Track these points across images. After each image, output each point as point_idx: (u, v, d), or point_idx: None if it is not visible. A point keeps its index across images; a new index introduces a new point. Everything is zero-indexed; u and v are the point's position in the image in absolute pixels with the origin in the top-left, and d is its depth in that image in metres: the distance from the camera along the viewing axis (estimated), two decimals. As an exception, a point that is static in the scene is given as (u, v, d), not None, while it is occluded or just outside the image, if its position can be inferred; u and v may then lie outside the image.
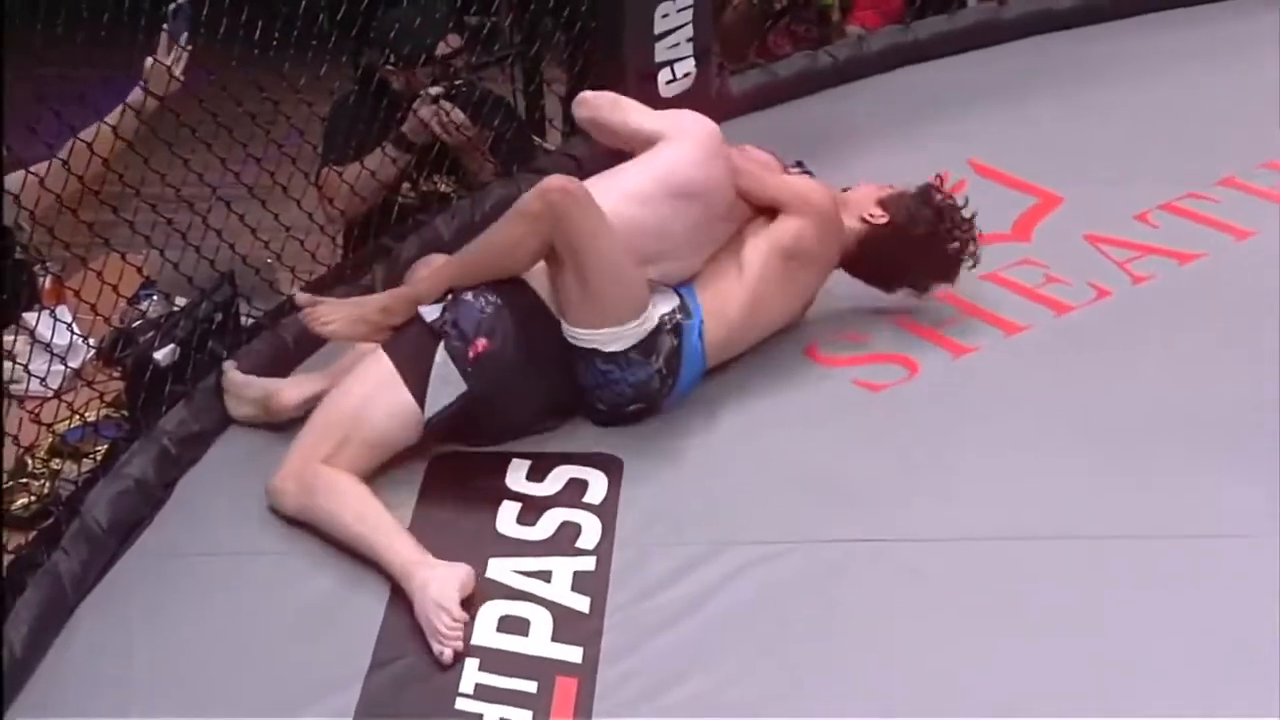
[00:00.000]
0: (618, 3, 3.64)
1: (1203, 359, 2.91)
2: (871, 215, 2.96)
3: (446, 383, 2.64)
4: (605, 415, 2.78)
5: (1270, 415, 2.71)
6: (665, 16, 3.65)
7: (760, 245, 2.86)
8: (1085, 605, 2.37)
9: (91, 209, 2.89)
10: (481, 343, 2.65)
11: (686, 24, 3.69)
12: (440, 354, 2.64)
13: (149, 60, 2.93)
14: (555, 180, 2.68)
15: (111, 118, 2.89)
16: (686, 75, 3.74)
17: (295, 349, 3.08)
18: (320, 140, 3.51)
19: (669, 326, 2.74)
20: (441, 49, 3.50)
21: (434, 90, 3.42)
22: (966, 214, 2.98)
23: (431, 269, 2.85)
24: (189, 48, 2.94)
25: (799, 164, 3.05)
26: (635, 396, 2.76)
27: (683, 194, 2.80)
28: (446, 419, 2.66)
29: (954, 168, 3.46)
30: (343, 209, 3.46)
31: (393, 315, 2.74)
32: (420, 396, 2.64)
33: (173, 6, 2.92)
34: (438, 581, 2.39)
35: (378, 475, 2.67)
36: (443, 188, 3.55)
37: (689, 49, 3.72)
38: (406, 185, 3.52)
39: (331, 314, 2.79)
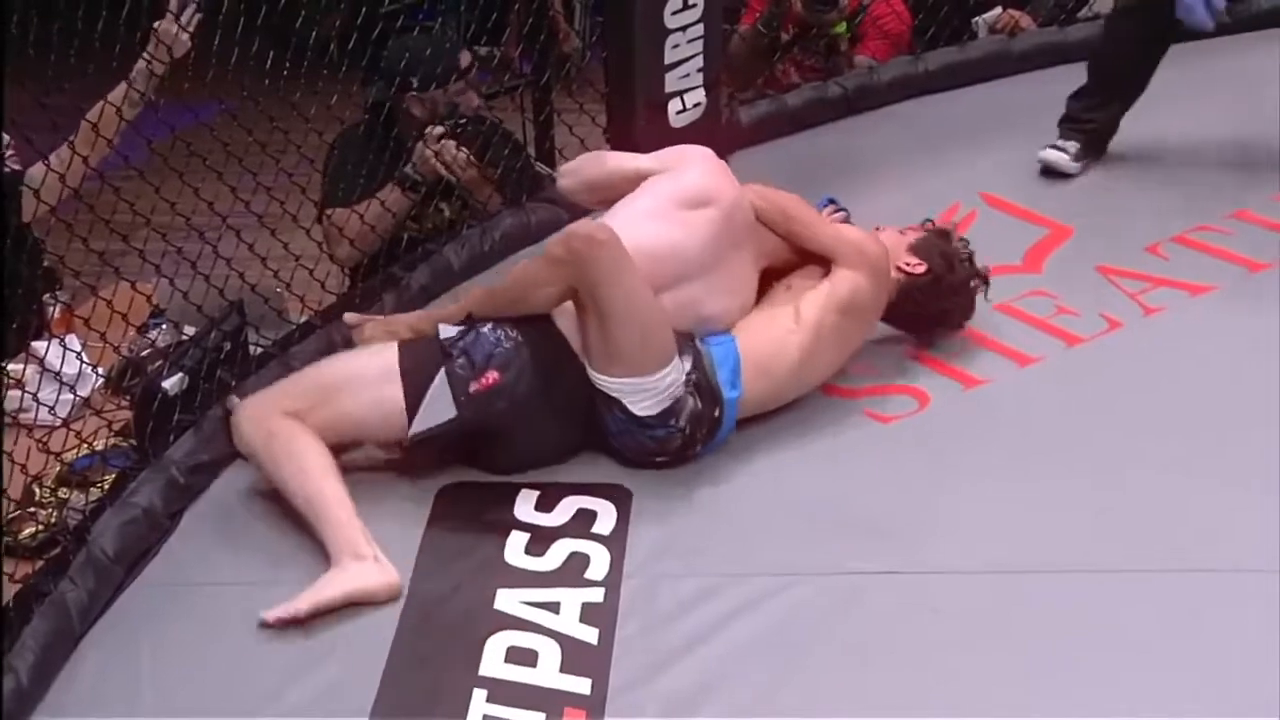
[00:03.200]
0: (628, 33, 3.65)
1: (1214, 391, 2.90)
2: (908, 264, 2.93)
3: (439, 405, 2.64)
4: (630, 460, 2.76)
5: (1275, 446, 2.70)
6: (676, 47, 3.65)
7: (817, 300, 2.81)
8: (1100, 639, 2.35)
9: (102, 238, 2.89)
10: (492, 376, 2.64)
11: (697, 55, 3.69)
12: (440, 376, 2.64)
13: (159, 24, 2.94)
14: (583, 227, 2.69)
15: (115, 94, 2.90)
16: (696, 105, 3.74)
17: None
18: (324, 178, 3.51)
19: (689, 388, 2.70)
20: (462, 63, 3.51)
21: (437, 130, 3.41)
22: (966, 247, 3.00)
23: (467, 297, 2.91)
24: (199, 14, 2.95)
25: (831, 201, 3.03)
26: (659, 451, 2.74)
27: (693, 203, 2.80)
28: (435, 439, 2.66)
29: (964, 199, 3.47)
30: (343, 262, 3.45)
31: (420, 334, 2.79)
32: (413, 406, 2.63)
33: None
34: (345, 575, 2.46)
35: (385, 504, 2.66)
36: (448, 213, 3.55)
37: (699, 79, 3.72)
38: (410, 220, 3.52)
39: (369, 328, 2.91)
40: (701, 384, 2.71)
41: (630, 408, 2.66)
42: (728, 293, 2.82)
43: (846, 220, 3.00)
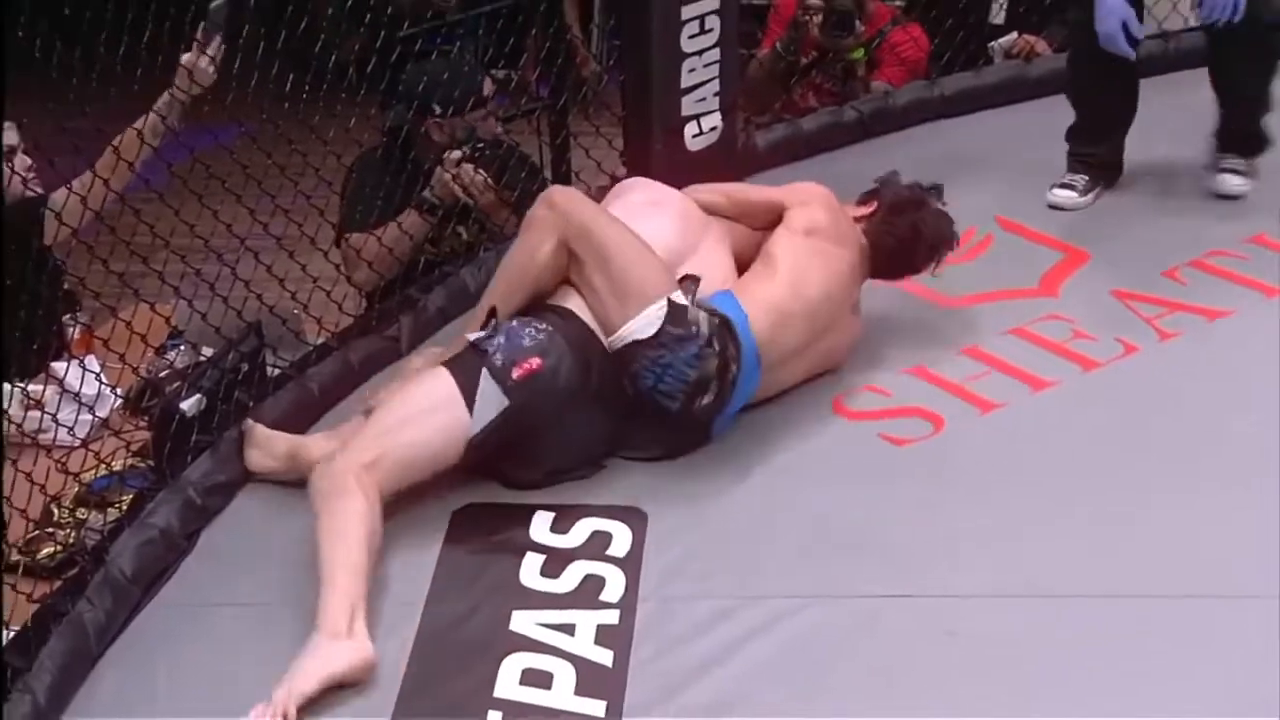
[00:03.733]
0: (645, 57, 3.67)
1: (1231, 416, 2.89)
2: (860, 211, 3.06)
3: (490, 400, 2.67)
4: (679, 416, 2.77)
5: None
6: (692, 71, 3.67)
7: (779, 237, 2.95)
8: (1117, 664, 2.35)
9: (121, 259, 2.91)
10: (534, 362, 2.69)
11: (713, 79, 3.71)
12: (484, 374, 2.68)
13: (186, 55, 2.96)
14: (554, 188, 2.80)
15: (139, 122, 2.93)
16: (713, 129, 3.75)
17: (321, 399, 3.09)
18: (343, 202, 3.52)
19: (701, 306, 2.78)
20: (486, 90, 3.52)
21: (455, 154, 3.42)
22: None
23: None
24: (224, 46, 2.98)
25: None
26: (699, 379, 2.74)
27: (650, 203, 2.97)
28: (491, 436, 2.68)
29: (980, 223, 3.47)
30: (362, 286, 3.47)
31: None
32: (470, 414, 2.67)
33: (214, 5, 2.96)
34: (318, 660, 2.35)
35: (401, 526, 2.66)
36: (465, 236, 3.56)
37: (715, 103, 3.74)
38: (427, 244, 3.52)
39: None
40: (706, 307, 2.79)
41: (644, 336, 2.72)
42: (704, 270, 2.89)
43: None
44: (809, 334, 2.90)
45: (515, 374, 2.68)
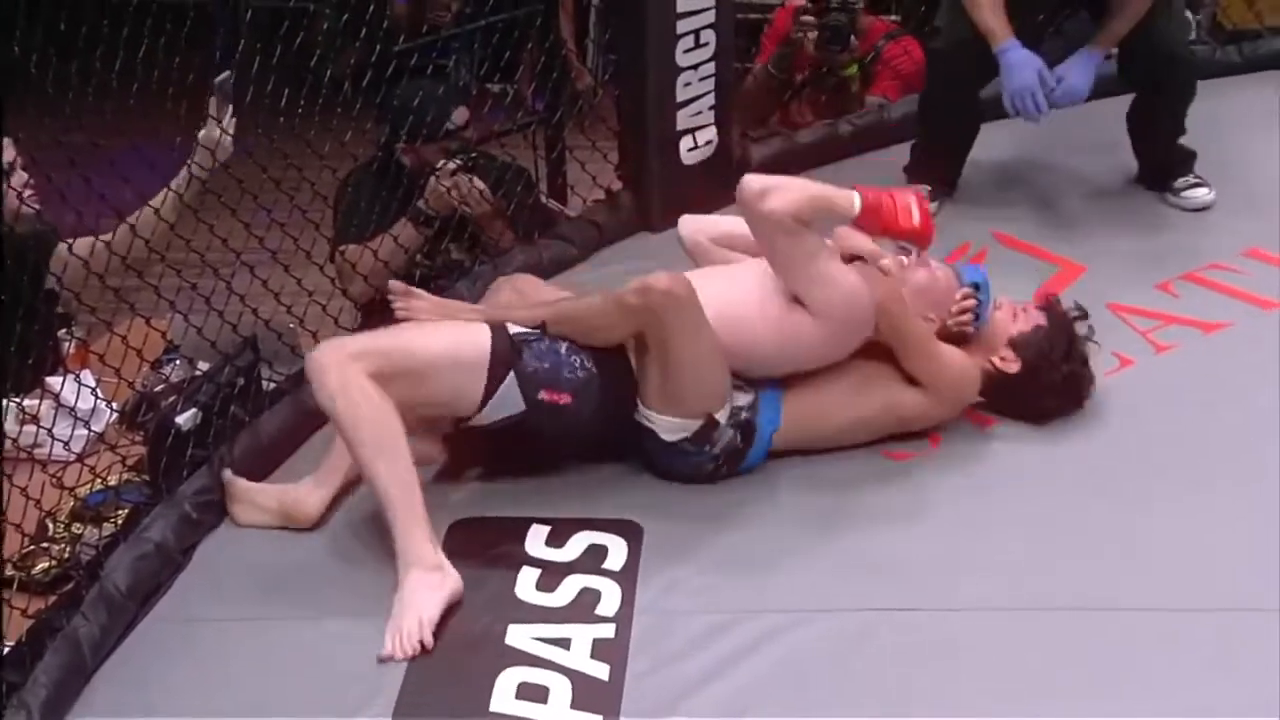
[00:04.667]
0: (641, 71, 3.68)
1: (1227, 428, 2.89)
2: (1002, 359, 2.88)
3: (506, 401, 2.66)
4: (662, 474, 2.82)
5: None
6: (688, 85, 3.68)
7: (875, 400, 2.81)
8: (1114, 677, 2.35)
9: (116, 274, 2.91)
10: (565, 398, 2.67)
11: (708, 92, 3.72)
12: (512, 376, 2.66)
13: (202, 132, 2.95)
14: (661, 281, 2.63)
15: (157, 200, 2.92)
16: (708, 143, 3.76)
17: (317, 413, 3.06)
18: (337, 215, 3.52)
19: (735, 421, 2.74)
20: (455, 120, 3.52)
21: (450, 165, 3.42)
22: (1084, 328, 2.92)
23: (526, 304, 2.83)
24: (235, 118, 2.97)
25: (975, 286, 2.90)
26: (691, 476, 2.78)
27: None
28: (489, 428, 2.68)
29: (976, 237, 3.47)
30: (357, 299, 3.47)
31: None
32: (487, 397, 2.65)
33: (218, 80, 2.95)
34: (428, 591, 2.47)
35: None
36: (455, 255, 3.56)
37: (710, 117, 3.75)
38: (421, 257, 3.53)
39: (423, 305, 2.79)
40: (748, 424, 2.74)
41: (667, 438, 2.72)
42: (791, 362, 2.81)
43: (976, 316, 2.89)
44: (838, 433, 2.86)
45: (542, 395, 2.67)
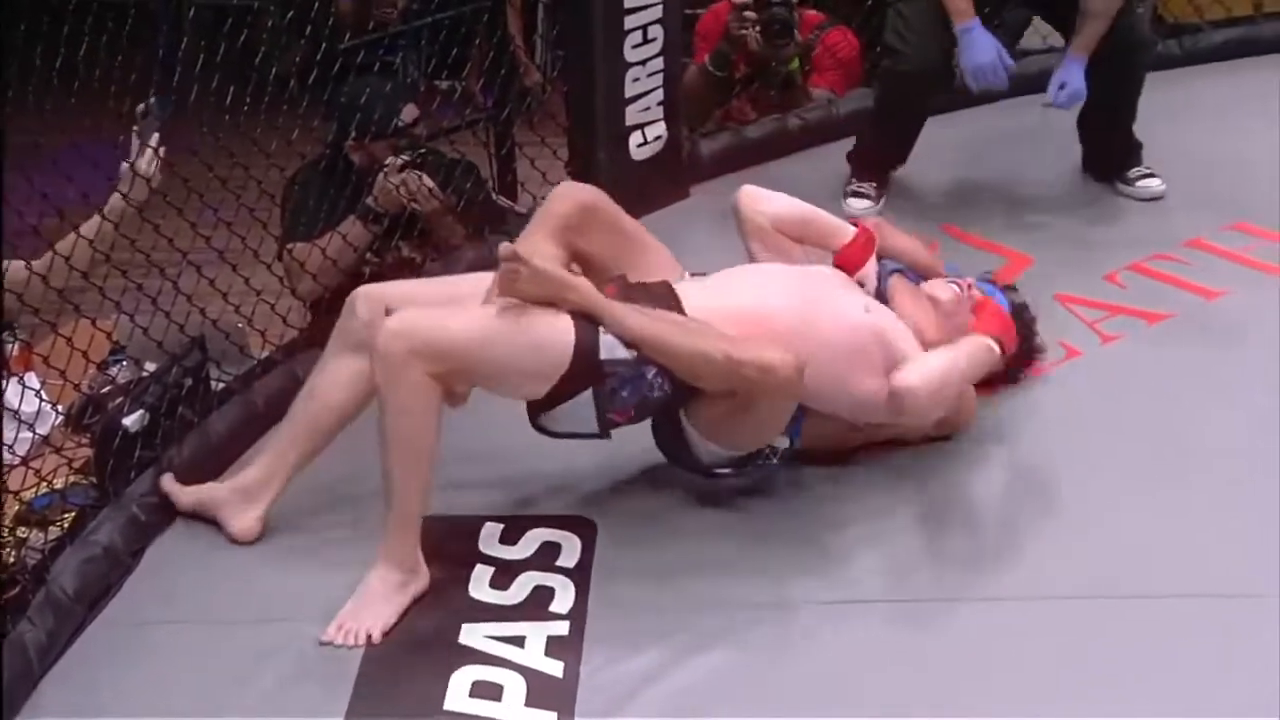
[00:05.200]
0: (589, 67, 3.67)
1: (1176, 417, 2.92)
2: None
3: (582, 417, 2.53)
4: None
5: (1242, 469, 2.73)
6: (636, 80, 3.68)
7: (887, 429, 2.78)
8: (1090, 666, 2.36)
9: (60, 275, 2.87)
10: (629, 414, 2.56)
11: (657, 88, 3.72)
12: (590, 394, 2.52)
13: (124, 165, 2.87)
14: (785, 366, 2.46)
15: (87, 228, 2.83)
16: (658, 138, 3.76)
17: (266, 412, 3.06)
18: (284, 213, 3.49)
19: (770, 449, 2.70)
20: (404, 117, 3.50)
21: (400, 159, 3.41)
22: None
23: (640, 312, 2.53)
24: (162, 149, 2.88)
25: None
26: (693, 468, 2.74)
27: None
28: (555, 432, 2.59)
29: (925, 230, 3.49)
30: (305, 297, 3.45)
31: (577, 306, 2.50)
32: (553, 401, 2.52)
33: (141, 108, 2.87)
34: (393, 591, 2.48)
35: (347, 535, 2.67)
36: (405, 252, 3.55)
37: (660, 112, 3.75)
38: (370, 255, 3.51)
39: (528, 285, 2.47)
40: (774, 447, 2.70)
41: (704, 460, 2.68)
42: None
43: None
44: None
45: (613, 415, 2.54)
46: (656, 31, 3.65)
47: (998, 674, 2.35)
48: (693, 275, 2.77)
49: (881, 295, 2.79)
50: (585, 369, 2.46)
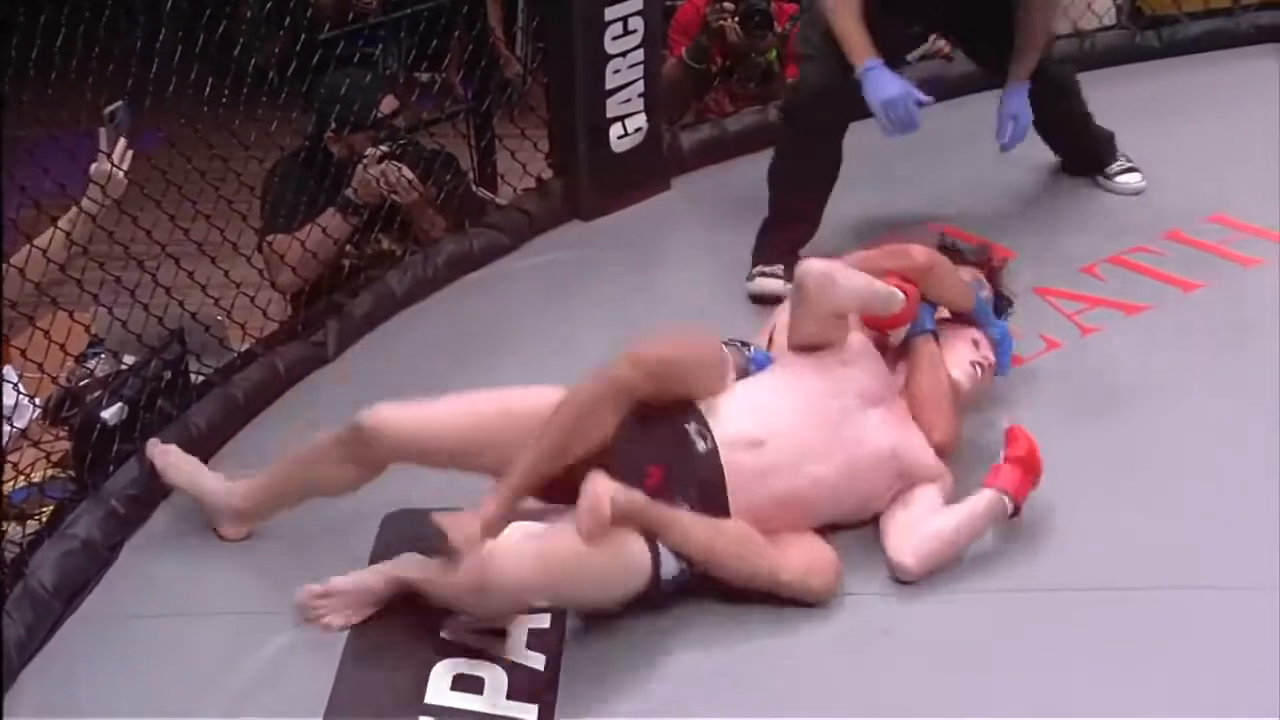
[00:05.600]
0: (569, 59, 3.67)
1: (1156, 409, 2.92)
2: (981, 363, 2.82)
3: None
4: None
5: (1223, 458, 2.74)
6: (617, 72, 3.67)
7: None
8: (1057, 658, 2.37)
9: (38, 267, 2.85)
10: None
11: (638, 80, 3.71)
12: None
13: (94, 166, 2.84)
14: (830, 586, 2.48)
15: (64, 221, 2.80)
16: (638, 130, 3.76)
17: (246, 405, 3.07)
18: (264, 204, 3.48)
19: None
20: (383, 109, 3.49)
21: (380, 150, 3.40)
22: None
23: (696, 526, 2.44)
24: (129, 154, 2.84)
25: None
26: None
27: None
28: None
29: (907, 224, 3.49)
30: (285, 289, 3.44)
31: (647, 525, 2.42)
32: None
33: (109, 110, 2.84)
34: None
35: (329, 528, 2.66)
36: (386, 245, 3.54)
37: (640, 104, 3.74)
38: (350, 247, 3.50)
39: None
40: None
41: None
42: None
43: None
44: None
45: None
46: (637, 23, 3.64)
47: (987, 666, 2.36)
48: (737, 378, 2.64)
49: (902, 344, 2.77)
50: (651, 589, 2.42)
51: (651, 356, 2.49)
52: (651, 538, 2.39)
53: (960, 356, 2.80)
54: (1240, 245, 3.44)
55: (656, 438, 2.47)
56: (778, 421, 2.53)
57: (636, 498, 2.38)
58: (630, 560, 2.38)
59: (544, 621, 2.47)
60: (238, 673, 2.41)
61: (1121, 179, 3.68)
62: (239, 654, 2.44)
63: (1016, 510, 2.58)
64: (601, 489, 2.34)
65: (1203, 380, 2.99)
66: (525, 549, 2.34)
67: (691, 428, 2.49)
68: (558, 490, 2.46)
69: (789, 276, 3.02)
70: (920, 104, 3.16)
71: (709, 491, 2.47)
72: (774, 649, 2.42)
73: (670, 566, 2.41)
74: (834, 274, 2.63)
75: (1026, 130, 3.40)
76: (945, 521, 2.55)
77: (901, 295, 2.70)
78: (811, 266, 2.65)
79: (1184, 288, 3.32)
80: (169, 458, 2.76)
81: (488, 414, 2.53)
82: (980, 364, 2.82)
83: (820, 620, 2.47)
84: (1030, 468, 2.59)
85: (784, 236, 3.36)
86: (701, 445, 2.48)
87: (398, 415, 2.52)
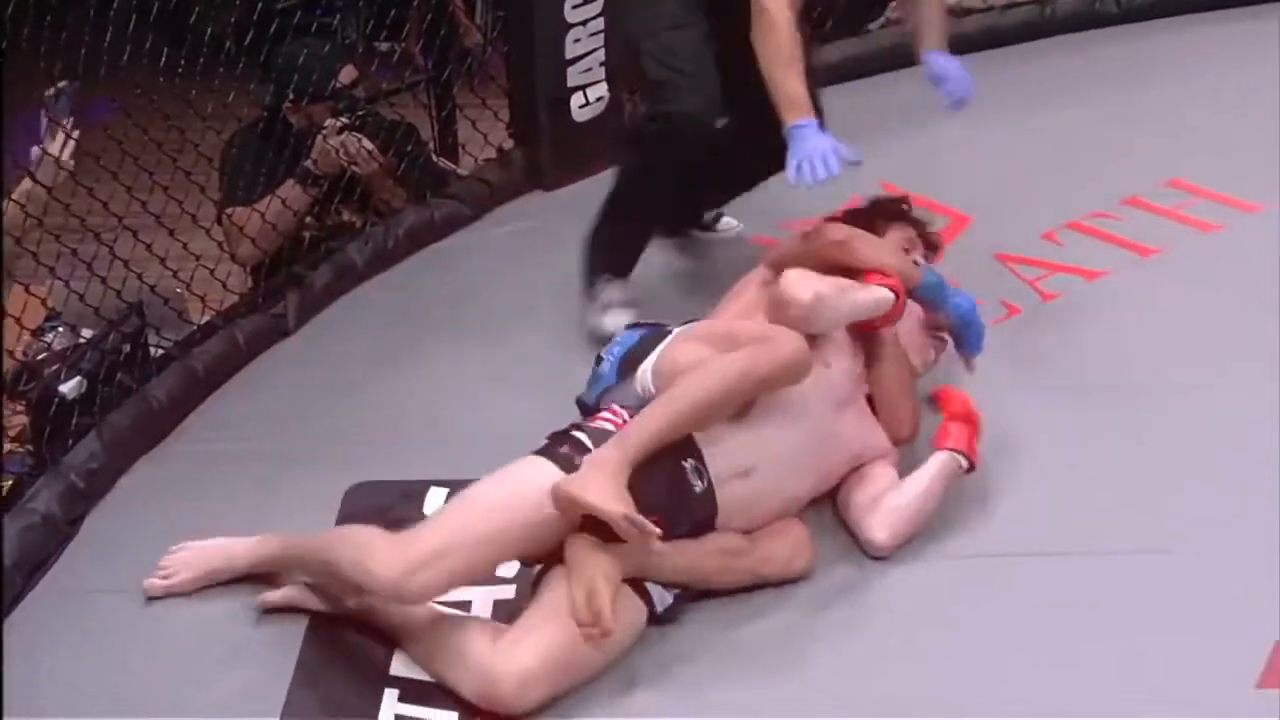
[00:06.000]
0: (528, 28, 3.64)
1: (1112, 374, 2.94)
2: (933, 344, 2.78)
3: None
4: None
5: (1182, 423, 2.75)
6: (577, 41, 3.65)
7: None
8: (991, 623, 2.39)
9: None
10: None
11: (598, 49, 3.69)
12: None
13: (34, 150, 2.79)
14: (808, 568, 2.47)
15: (19, 192, 2.76)
16: (599, 99, 3.74)
17: (207, 378, 3.05)
18: (222, 176, 3.46)
19: None
20: (341, 79, 3.46)
21: (339, 121, 3.37)
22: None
23: (681, 554, 2.39)
24: (75, 133, 2.80)
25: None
26: None
27: None
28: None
29: (865, 190, 3.48)
30: (245, 262, 3.41)
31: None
32: None
33: (51, 91, 2.80)
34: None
35: (293, 505, 2.65)
36: (347, 217, 3.51)
37: (601, 73, 3.72)
38: (310, 219, 3.48)
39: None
40: None
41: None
42: None
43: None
44: None
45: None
46: None
47: (953, 629, 2.37)
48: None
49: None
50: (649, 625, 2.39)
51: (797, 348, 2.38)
52: (639, 580, 2.35)
53: (917, 341, 2.76)
54: (1198, 210, 3.45)
55: (654, 478, 2.34)
56: (765, 447, 2.45)
57: (625, 568, 2.30)
58: (628, 622, 2.31)
59: (508, 592, 2.45)
60: (200, 647, 2.40)
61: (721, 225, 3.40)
62: (201, 628, 2.43)
63: (972, 466, 2.58)
64: (603, 592, 2.23)
65: (1162, 346, 3.01)
66: (525, 645, 2.24)
67: (689, 465, 2.38)
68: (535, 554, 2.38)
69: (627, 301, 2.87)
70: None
71: (699, 527, 2.42)
72: (743, 621, 2.41)
73: (662, 600, 2.39)
74: (819, 303, 2.50)
75: (968, 82, 3.05)
76: (910, 492, 2.55)
77: (890, 294, 2.60)
78: (796, 294, 2.50)
79: (1142, 253, 3.34)
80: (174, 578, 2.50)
81: (504, 531, 2.33)
82: (936, 346, 2.79)
83: (796, 589, 2.46)
84: (971, 421, 2.60)
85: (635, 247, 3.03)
86: (699, 485, 2.39)
87: (424, 582, 2.27)
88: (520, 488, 2.34)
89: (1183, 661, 2.26)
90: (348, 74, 3.48)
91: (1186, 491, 2.60)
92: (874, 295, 2.59)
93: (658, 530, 2.25)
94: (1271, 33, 4.05)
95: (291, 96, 3.41)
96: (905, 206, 2.94)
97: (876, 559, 2.51)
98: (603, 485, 2.25)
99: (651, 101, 2.96)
